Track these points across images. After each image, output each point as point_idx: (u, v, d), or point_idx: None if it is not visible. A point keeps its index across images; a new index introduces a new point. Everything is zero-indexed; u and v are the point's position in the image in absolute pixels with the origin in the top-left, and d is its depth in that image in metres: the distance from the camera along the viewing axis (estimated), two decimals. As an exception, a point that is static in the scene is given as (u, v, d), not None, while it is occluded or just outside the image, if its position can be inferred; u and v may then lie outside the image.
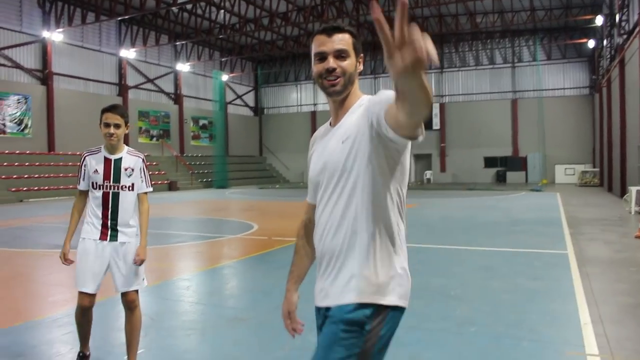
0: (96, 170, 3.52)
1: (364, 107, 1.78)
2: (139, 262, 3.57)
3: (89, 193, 3.59)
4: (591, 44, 31.44)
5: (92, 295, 3.56)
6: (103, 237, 3.52)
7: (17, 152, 25.36)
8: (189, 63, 36.89)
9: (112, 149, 3.58)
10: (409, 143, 1.70)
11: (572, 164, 34.19)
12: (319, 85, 1.86)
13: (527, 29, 35.04)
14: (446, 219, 13.99)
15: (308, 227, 2.07)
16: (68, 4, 27.87)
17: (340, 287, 1.78)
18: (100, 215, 3.52)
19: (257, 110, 45.33)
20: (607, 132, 25.28)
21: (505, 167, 36.06)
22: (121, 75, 31.94)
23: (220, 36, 34.10)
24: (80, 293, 3.54)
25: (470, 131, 37.32)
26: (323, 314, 1.85)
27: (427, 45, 1.16)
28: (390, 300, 1.74)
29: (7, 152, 24.89)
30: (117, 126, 3.49)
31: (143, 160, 3.70)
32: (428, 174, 37.78)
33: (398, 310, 1.77)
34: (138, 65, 33.40)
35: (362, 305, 1.72)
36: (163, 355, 4.03)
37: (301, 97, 44.00)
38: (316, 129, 2.07)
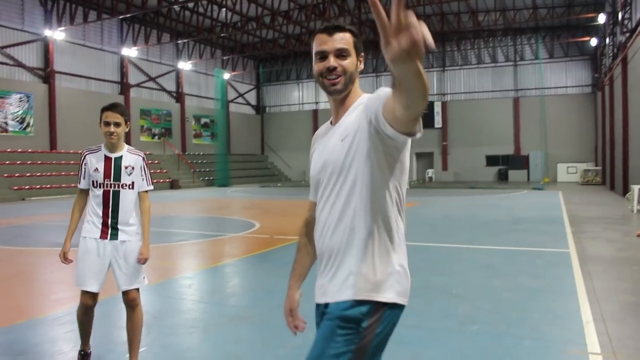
0: (96, 169, 3.53)
1: (363, 105, 1.79)
2: (143, 261, 3.58)
3: (90, 192, 3.59)
4: (593, 42, 31.35)
5: (96, 294, 3.57)
6: (103, 235, 3.52)
7: (19, 150, 25.40)
8: (190, 61, 36.90)
9: (113, 148, 3.58)
10: (409, 141, 1.70)
11: (574, 163, 34.13)
12: (320, 84, 1.86)
13: (529, 27, 34.96)
14: (448, 218, 13.98)
15: (310, 225, 2.07)
16: (70, 3, 27.91)
17: (338, 284, 1.79)
18: (100, 213, 3.52)
19: (259, 108, 45.34)
20: (609, 131, 25.24)
21: (507, 166, 36.02)
22: (123, 73, 31.96)
23: (222, 34, 34.10)
24: (84, 292, 3.54)
25: (472, 129, 37.28)
26: (322, 310, 1.86)
27: (423, 30, 1.16)
28: (387, 297, 1.74)
29: (9, 150, 24.93)
30: (117, 125, 3.49)
31: (143, 158, 3.70)
32: (430, 172, 37.76)
33: (397, 307, 1.78)
34: (140, 64, 33.42)
35: (359, 302, 1.73)
36: (165, 354, 4.03)
37: (303, 95, 43.99)
38: (318, 128, 2.08)
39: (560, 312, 5.00)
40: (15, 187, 23.10)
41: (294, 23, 31.26)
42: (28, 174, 24.33)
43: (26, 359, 3.88)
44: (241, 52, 38.79)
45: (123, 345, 3.83)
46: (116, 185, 3.54)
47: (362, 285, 1.74)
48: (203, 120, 38.73)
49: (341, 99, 1.88)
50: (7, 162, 24.17)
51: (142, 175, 3.66)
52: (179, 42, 34.50)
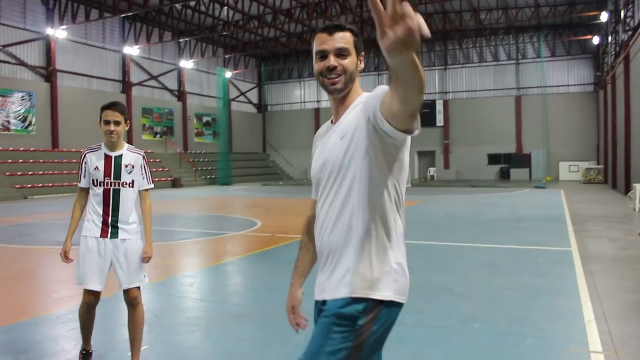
0: (97, 167, 3.53)
1: (362, 103, 1.79)
2: (147, 260, 3.59)
3: (90, 190, 3.59)
4: (596, 40, 31.28)
5: (98, 292, 3.58)
6: (104, 234, 3.53)
7: (21, 149, 25.42)
8: (192, 60, 36.90)
9: (112, 146, 3.58)
10: (408, 139, 1.70)
11: (576, 161, 34.08)
12: (320, 83, 1.87)
13: (531, 25, 34.89)
14: (450, 216, 13.98)
15: (313, 224, 2.08)
16: (72, 1, 27.91)
17: (335, 282, 1.80)
18: (101, 212, 3.53)
19: (261, 107, 45.34)
20: (611, 129, 25.19)
21: (509, 164, 35.99)
22: (125, 72, 31.97)
23: (224, 33, 34.08)
24: (86, 290, 3.55)
25: (474, 128, 37.25)
26: (319, 307, 1.87)
27: (418, 20, 1.17)
28: (384, 295, 1.75)
29: (11, 149, 24.96)
30: (117, 123, 3.50)
31: (143, 157, 3.71)
32: (432, 170, 37.73)
33: (394, 305, 1.78)
34: (142, 62, 33.43)
35: (355, 300, 1.73)
36: (167, 352, 4.04)
37: (304, 94, 43.98)
38: (319, 126, 2.09)
39: (562, 311, 5.00)
40: (18, 186, 23.14)
41: (295, 21, 31.23)
42: (30, 173, 24.36)
43: (28, 357, 3.89)
44: (243, 51, 38.78)
45: (125, 343, 3.84)
46: (116, 184, 3.55)
47: (359, 283, 1.74)
48: (205, 119, 38.74)
49: (341, 98, 1.89)
50: (9, 161, 24.21)
51: (142, 174, 3.67)
52: (181, 40, 34.51)
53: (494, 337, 4.27)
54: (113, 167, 3.55)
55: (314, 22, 31.90)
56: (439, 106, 38.27)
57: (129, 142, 3.67)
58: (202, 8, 31.53)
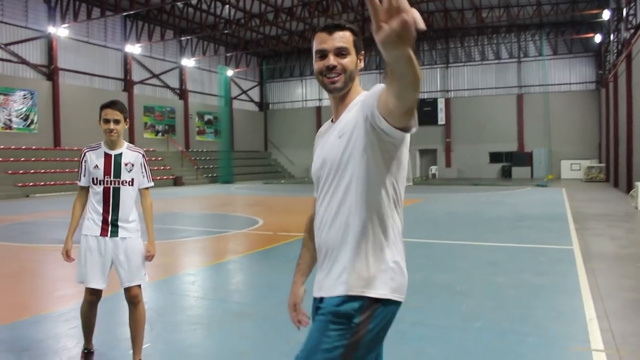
0: (96, 166, 3.53)
1: (360, 102, 1.80)
2: (150, 258, 3.60)
3: (90, 189, 3.59)
4: (598, 38, 31.21)
5: (100, 290, 3.59)
6: (104, 233, 3.52)
7: (23, 147, 25.47)
8: (194, 58, 36.90)
9: (112, 145, 3.58)
10: (407, 138, 1.70)
11: (578, 159, 34.06)
12: (320, 82, 1.88)
13: (533, 23, 34.84)
14: (451, 214, 13.97)
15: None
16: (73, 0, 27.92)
17: (332, 280, 1.80)
18: (100, 211, 3.53)
19: (262, 105, 45.34)
20: (613, 128, 25.15)
21: (511, 163, 35.97)
22: (126, 70, 32.00)
23: (226, 31, 34.09)
24: (88, 288, 3.56)
25: (475, 126, 37.22)
26: (317, 304, 1.88)
27: (414, 14, 1.18)
28: (380, 293, 1.75)
29: (13, 147, 25.01)
30: (116, 122, 3.50)
31: (143, 155, 3.71)
32: (433, 169, 37.73)
33: (391, 304, 1.78)
34: (143, 61, 33.44)
35: (351, 298, 1.74)
36: (168, 350, 4.04)
37: (306, 92, 43.97)
38: (321, 124, 2.09)
39: (564, 309, 4.99)
40: (19, 184, 23.19)
41: (297, 20, 31.21)
42: (32, 171, 24.41)
43: (30, 355, 3.90)
44: (244, 49, 38.78)
45: (126, 341, 3.84)
46: (116, 182, 3.55)
47: (355, 281, 1.75)
48: (206, 117, 38.76)
49: (341, 97, 1.89)
50: (11, 159, 24.27)
51: (142, 172, 3.67)
52: (183, 39, 34.50)
53: (496, 335, 4.27)
54: (113, 165, 3.55)
55: (316, 21, 31.88)
56: (441, 104, 38.24)
57: (131, 140, 3.66)
58: (204, 6, 31.50)
